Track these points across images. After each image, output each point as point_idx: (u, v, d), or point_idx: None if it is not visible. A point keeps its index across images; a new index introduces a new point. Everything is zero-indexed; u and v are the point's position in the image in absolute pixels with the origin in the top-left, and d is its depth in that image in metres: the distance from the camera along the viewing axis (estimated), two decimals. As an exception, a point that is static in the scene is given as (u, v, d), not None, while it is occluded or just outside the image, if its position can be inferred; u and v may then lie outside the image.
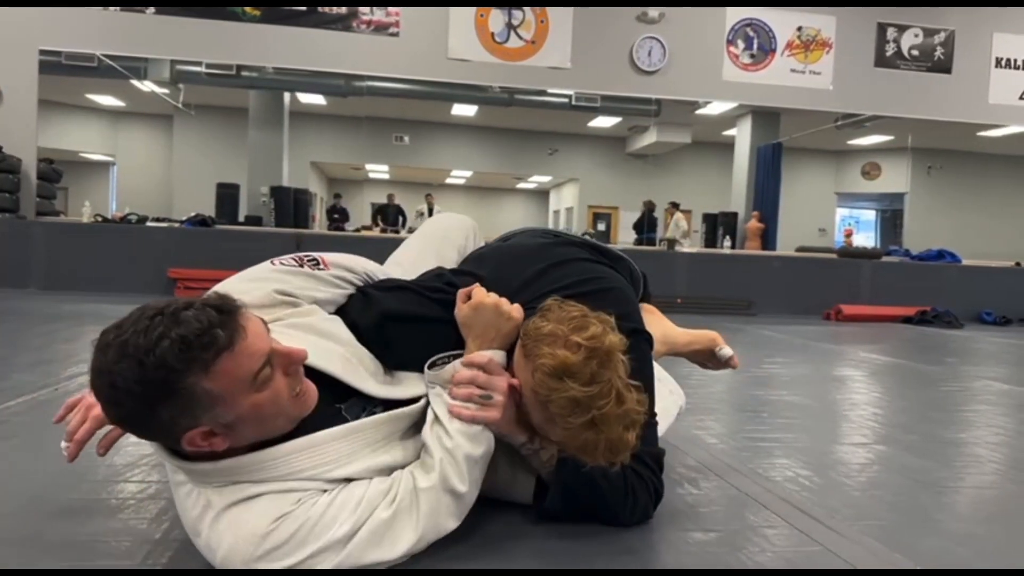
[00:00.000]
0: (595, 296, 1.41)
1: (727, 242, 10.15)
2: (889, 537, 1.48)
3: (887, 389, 3.67)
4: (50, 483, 1.59)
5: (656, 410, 1.46)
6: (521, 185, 19.70)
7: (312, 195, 13.13)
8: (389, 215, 12.58)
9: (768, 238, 11.18)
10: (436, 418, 1.28)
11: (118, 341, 0.99)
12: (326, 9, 7.92)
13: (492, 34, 8.20)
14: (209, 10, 7.72)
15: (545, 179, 18.23)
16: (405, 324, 1.39)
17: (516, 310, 1.35)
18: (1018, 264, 8.65)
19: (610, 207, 15.70)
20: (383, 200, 13.54)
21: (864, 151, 14.63)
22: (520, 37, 8.26)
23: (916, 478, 1.93)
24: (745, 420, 2.64)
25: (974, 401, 3.24)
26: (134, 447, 1.85)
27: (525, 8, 8.24)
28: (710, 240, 11.86)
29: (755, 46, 8.71)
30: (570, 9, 8.32)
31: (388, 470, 1.22)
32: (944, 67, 9.04)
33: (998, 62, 9.17)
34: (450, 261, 1.70)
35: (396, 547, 1.14)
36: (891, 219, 16.17)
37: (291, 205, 10.51)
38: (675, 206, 11.89)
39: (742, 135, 11.60)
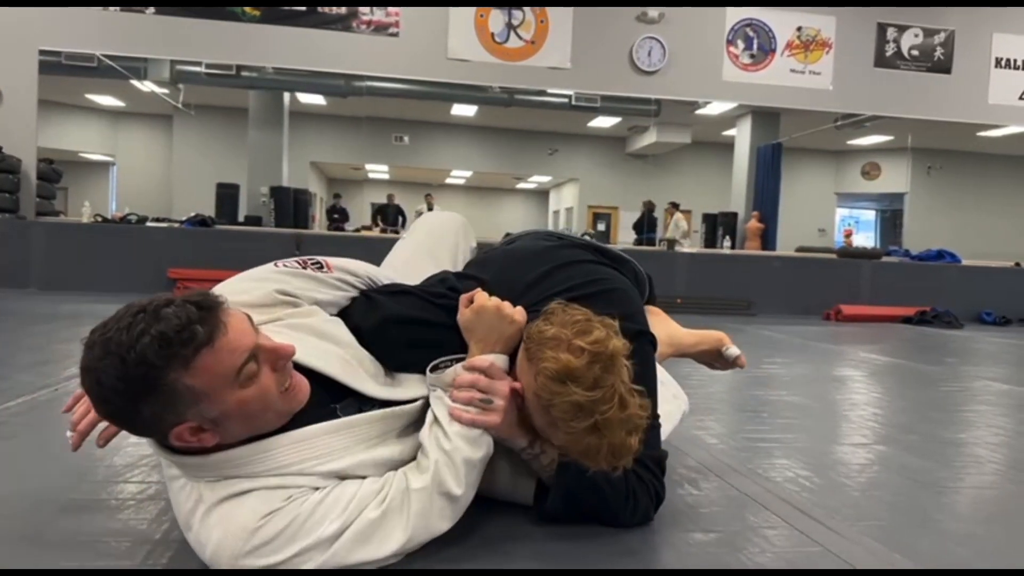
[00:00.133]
0: (598, 297, 1.41)
1: (727, 242, 10.15)
2: (889, 537, 1.48)
3: (887, 389, 3.67)
4: (50, 483, 1.59)
5: (660, 413, 1.46)
6: (521, 185, 19.70)
7: (312, 195, 13.14)
8: (389, 215, 12.58)
9: (768, 238, 11.18)
10: (435, 420, 1.28)
11: (102, 339, 1.00)
12: (326, 9, 7.93)
13: (492, 34, 8.21)
14: (209, 10, 7.72)
15: (545, 179, 18.23)
16: (408, 328, 1.39)
17: (519, 313, 1.35)
18: (1018, 264, 8.65)
19: (610, 207, 15.70)
20: (383, 200, 13.55)
21: (864, 151, 14.63)
22: (520, 37, 8.26)
23: (916, 478, 1.93)
24: (745, 420, 2.64)
25: (974, 401, 3.24)
26: (134, 447, 1.85)
27: (525, 8, 8.24)
28: (710, 240, 11.86)
29: (755, 46, 8.71)
30: (570, 9, 8.32)
31: (383, 465, 1.22)
32: (944, 67, 9.04)
33: (998, 62, 9.17)
34: (445, 261, 1.70)
35: (384, 547, 1.14)
36: (891, 219, 16.17)
37: (291, 205, 10.52)
38: (675, 206, 11.89)
39: (742, 135, 11.60)
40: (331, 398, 1.24)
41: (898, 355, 5.01)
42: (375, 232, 11.14)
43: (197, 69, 8.59)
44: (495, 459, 1.32)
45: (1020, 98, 9.24)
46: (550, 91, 8.83)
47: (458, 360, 1.33)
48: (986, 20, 9.10)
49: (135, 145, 14.41)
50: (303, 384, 1.17)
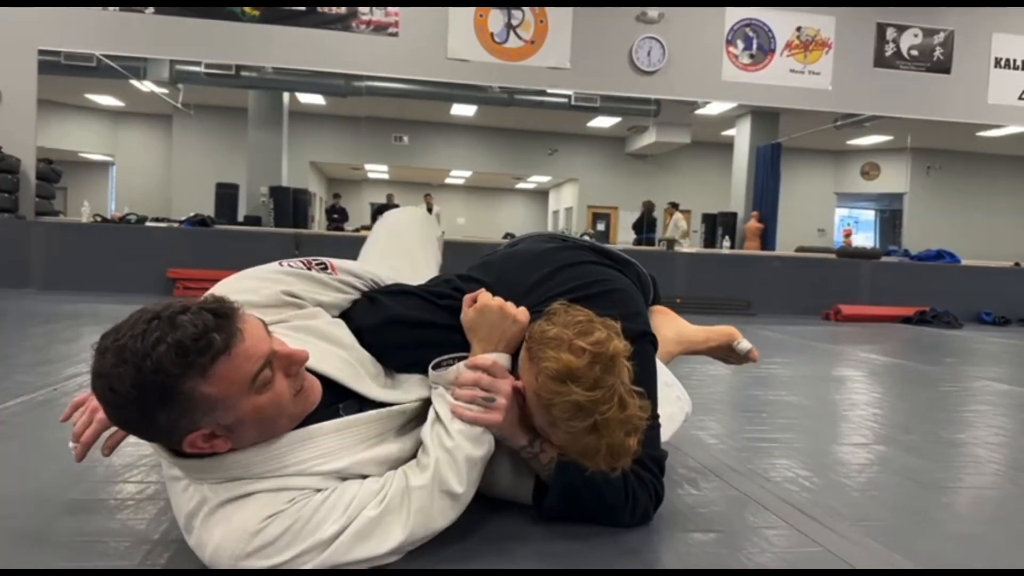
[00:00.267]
0: (601, 298, 1.41)
1: (726, 242, 10.15)
2: (889, 537, 1.48)
3: (887, 389, 3.67)
4: (49, 483, 1.59)
5: (661, 414, 1.46)
6: (520, 185, 19.71)
7: (311, 195, 13.15)
8: (388, 215, 12.55)
9: (767, 238, 11.19)
10: (437, 418, 1.28)
11: (116, 345, 0.99)
12: (325, 9, 7.92)
13: (491, 34, 8.20)
14: (208, 10, 7.71)
15: (544, 179, 18.24)
16: (409, 329, 1.39)
17: (522, 314, 1.35)
18: (1017, 264, 8.66)
19: (609, 207, 15.70)
20: (382, 200, 13.56)
21: (863, 151, 14.64)
22: (519, 37, 8.26)
23: (916, 478, 1.93)
24: (745, 420, 2.64)
25: (974, 401, 3.24)
26: (133, 448, 1.85)
27: (524, 8, 8.24)
28: (709, 240, 11.87)
29: (754, 46, 8.71)
30: (569, 9, 8.32)
31: (384, 462, 1.23)
32: (943, 67, 9.04)
33: (997, 62, 9.18)
34: (418, 259, 1.72)
35: (383, 544, 1.14)
36: (890, 219, 16.19)
37: (290, 205, 10.52)
38: (674, 206, 11.90)
39: (741, 135, 11.61)
40: (334, 398, 1.24)
41: (898, 355, 5.01)
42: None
43: (197, 69, 8.59)
44: (495, 457, 1.33)
45: (1019, 98, 9.24)
46: (550, 91, 8.83)
47: (460, 358, 1.33)
48: (986, 20, 9.11)
49: (134, 145, 14.42)
50: (315, 387, 1.18)
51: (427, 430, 1.28)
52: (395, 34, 8.05)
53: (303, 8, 7.87)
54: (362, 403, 1.27)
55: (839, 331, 6.40)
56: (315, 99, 11.77)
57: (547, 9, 8.28)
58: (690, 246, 10.59)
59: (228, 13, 7.76)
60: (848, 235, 13.85)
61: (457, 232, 14.61)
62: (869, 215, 17.41)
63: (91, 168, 14.75)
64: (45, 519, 1.38)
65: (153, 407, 1.00)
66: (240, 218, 10.30)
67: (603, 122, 12.82)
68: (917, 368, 4.42)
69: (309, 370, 1.19)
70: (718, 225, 11.67)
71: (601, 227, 15.57)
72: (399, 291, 1.47)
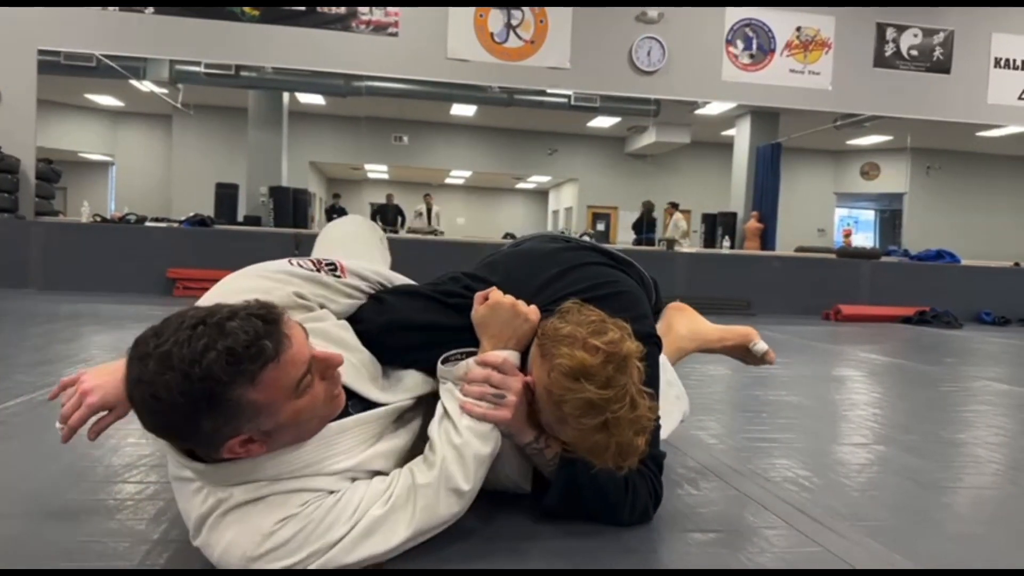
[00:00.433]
0: (608, 300, 1.41)
1: (726, 242, 10.15)
2: (889, 537, 1.48)
3: (886, 389, 3.67)
4: (48, 484, 1.59)
5: (660, 413, 1.47)
6: (520, 185, 19.70)
7: (311, 195, 13.14)
8: (388, 215, 12.58)
9: (767, 238, 11.19)
10: (446, 413, 1.29)
11: (159, 352, 0.97)
12: (325, 9, 7.92)
13: (491, 34, 8.20)
14: (208, 10, 7.71)
15: (544, 179, 18.24)
16: (418, 332, 1.39)
17: (533, 312, 1.35)
18: (1017, 264, 8.65)
19: (609, 207, 15.70)
20: (382, 200, 13.55)
21: (863, 151, 14.64)
22: (519, 37, 8.26)
23: (916, 479, 1.93)
24: (745, 420, 2.64)
25: (973, 401, 3.24)
26: (133, 448, 1.85)
27: (524, 8, 8.23)
28: (709, 240, 11.87)
29: (754, 46, 8.71)
30: (569, 9, 8.32)
31: (389, 456, 1.25)
32: (943, 67, 9.04)
33: (997, 62, 9.17)
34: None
35: (388, 542, 1.15)
36: (890, 219, 16.19)
37: (290, 205, 10.52)
38: (674, 206, 11.90)
39: (741, 135, 11.61)
40: None
41: (897, 355, 5.01)
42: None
43: (196, 69, 8.59)
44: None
45: (1019, 98, 9.24)
46: (549, 91, 8.83)
47: (469, 354, 1.33)
48: (985, 20, 9.10)
49: (134, 145, 14.41)
50: (343, 391, 1.18)
51: (435, 426, 1.28)
52: (395, 34, 8.05)
53: (303, 8, 7.87)
54: (364, 402, 1.28)
55: (839, 331, 6.40)
56: (315, 99, 11.77)
57: (547, 9, 8.28)
58: (690, 246, 10.60)
59: (228, 13, 7.75)
60: (848, 235, 13.85)
61: (457, 232, 14.61)
62: (869, 215, 17.42)
63: (91, 168, 14.75)
64: (45, 519, 1.38)
65: (198, 414, 0.99)
66: (240, 218, 10.30)
67: (603, 122, 12.82)
68: (917, 368, 4.42)
69: None
70: (718, 225, 11.66)
71: (601, 227, 15.57)
72: (406, 292, 1.47)
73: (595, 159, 15.22)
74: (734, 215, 11.47)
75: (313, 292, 1.35)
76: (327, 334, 1.31)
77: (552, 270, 1.51)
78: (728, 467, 1.94)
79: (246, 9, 7.76)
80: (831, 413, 2.87)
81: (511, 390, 1.28)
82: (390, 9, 8.00)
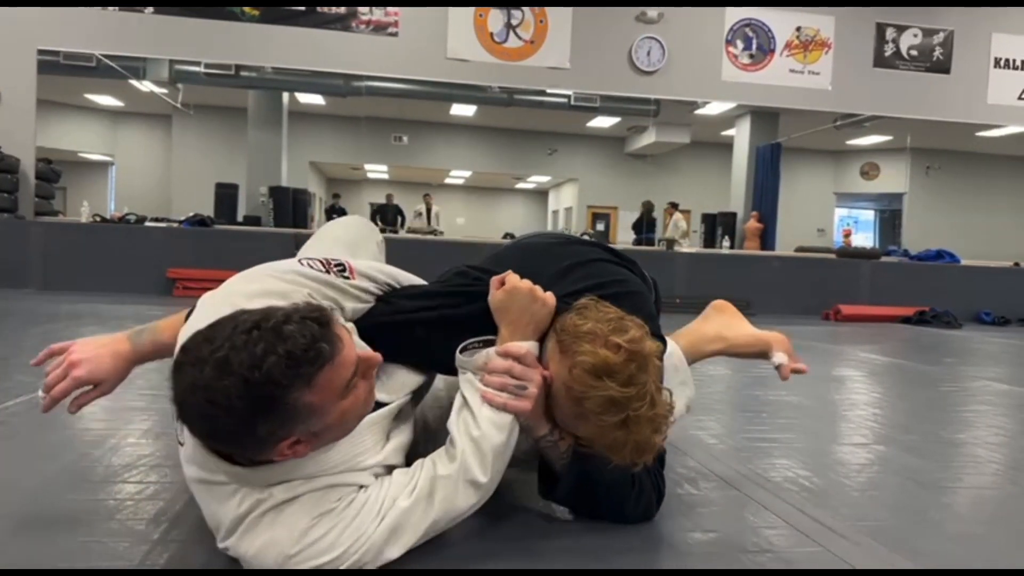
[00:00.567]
0: (620, 298, 1.40)
1: (726, 242, 10.15)
2: (889, 537, 1.48)
3: (886, 389, 3.67)
4: (48, 484, 1.58)
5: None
6: (520, 185, 19.70)
7: (311, 195, 13.14)
8: (388, 215, 12.58)
9: (767, 238, 11.19)
10: (465, 404, 1.28)
11: (216, 357, 0.97)
12: (325, 9, 7.92)
13: (491, 34, 8.20)
14: (208, 10, 7.71)
15: (544, 179, 18.24)
16: (418, 328, 1.39)
17: (550, 297, 1.34)
18: (1017, 264, 8.66)
19: (609, 207, 15.70)
20: (382, 200, 13.54)
21: (863, 151, 14.64)
22: (519, 37, 8.26)
23: (916, 478, 1.93)
24: (745, 420, 2.64)
25: (973, 401, 3.24)
26: (132, 448, 1.85)
27: (524, 8, 8.23)
28: (709, 240, 11.86)
29: (754, 46, 8.71)
30: (569, 9, 8.32)
31: (403, 448, 1.28)
32: (943, 67, 9.04)
33: (997, 62, 9.18)
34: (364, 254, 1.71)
35: (414, 536, 1.17)
36: (890, 219, 16.19)
37: (290, 205, 10.51)
38: (674, 206, 11.89)
39: (741, 135, 11.61)
40: None
41: (897, 355, 5.01)
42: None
43: (196, 69, 8.59)
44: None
45: (1019, 98, 9.24)
46: (549, 91, 8.83)
47: (487, 342, 1.32)
48: (985, 20, 9.11)
49: (134, 145, 14.41)
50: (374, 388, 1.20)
51: (454, 417, 1.28)
52: (395, 34, 8.05)
53: (303, 8, 7.87)
54: None
55: (839, 331, 6.40)
56: (315, 99, 11.76)
57: (547, 9, 8.28)
58: (690, 246, 10.60)
59: (228, 13, 7.75)
60: (848, 235, 13.85)
61: (457, 232, 14.61)
62: (869, 215, 17.42)
63: (90, 168, 14.75)
64: (45, 518, 1.38)
65: (255, 418, 0.99)
66: (240, 218, 10.29)
67: (603, 122, 12.82)
68: (917, 368, 4.42)
69: None
70: (718, 225, 11.66)
71: (601, 227, 15.57)
72: (418, 292, 1.46)
73: (595, 159, 15.22)
74: (734, 215, 11.47)
75: (324, 295, 1.34)
76: None
77: (562, 263, 1.50)
78: (728, 467, 1.94)
79: (246, 9, 7.76)
80: (831, 413, 2.87)
81: (532, 382, 1.27)
82: (390, 9, 8.00)
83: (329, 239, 1.75)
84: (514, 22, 8.24)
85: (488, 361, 1.29)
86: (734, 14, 8.68)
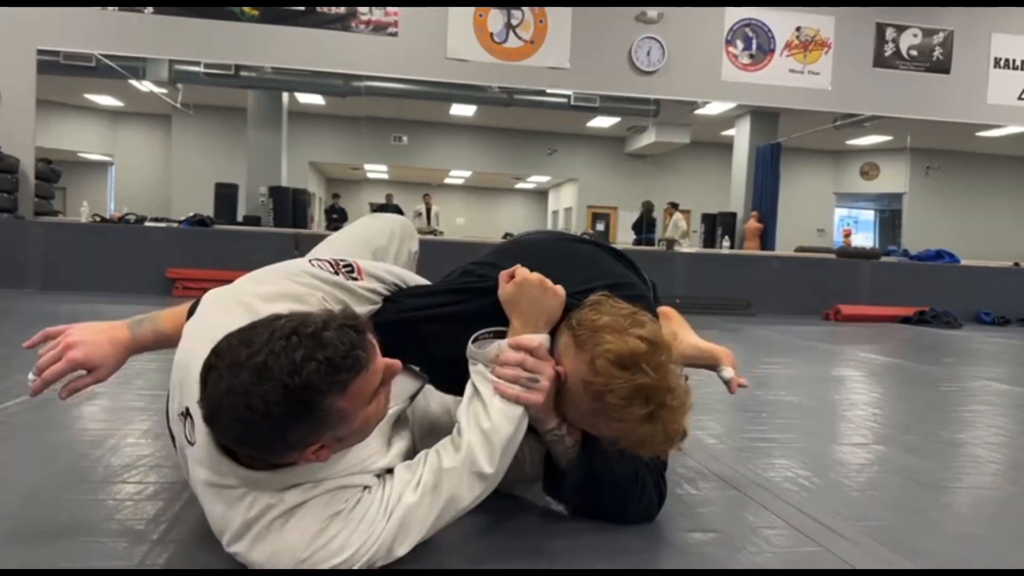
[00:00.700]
0: (631, 301, 1.40)
1: (726, 242, 10.15)
2: (888, 537, 1.48)
3: (886, 389, 3.67)
4: (48, 484, 1.58)
5: None
6: (520, 185, 19.70)
7: (311, 195, 13.14)
8: (388, 215, 12.56)
9: (767, 238, 11.19)
10: (476, 394, 1.28)
11: (254, 363, 0.97)
12: (325, 9, 7.92)
13: (491, 34, 8.20)
14: (208, 10, 7.71)
15: (544, 179, 18.23)
16: (437, 326, 1.39)
17: (560, 288, 1.34)
18: (1017, 264, 8.66)
19: (609, 207, 15.70)
20: (381, 200, 13.54)
21: (863, 151, 14.64)
22: (519, 37, 8.25)
23: (915, 478, 1.93)
24: (744, 420, 2.64)
25: (973, 401, 3.24)
26: (132, 448, 1.85)
27: (524, 8, 8.23)
28: (709, 240, 11.86)
29: (754, 46, 8.71)
30: (569, 9, 8.31)
31: (405, 452, 1.28)
32: (943, 67, 9.04)
33: (997, 62, 9.17)
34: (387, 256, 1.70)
35: (421, 531, 1.17)
36: (890, 219, 16.18)
37: (290, 205, 10.51)
38: (674, 206, 11.89)
39: (741, 135, 11.60)
40: None
41: (897, 355, 5.01)
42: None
43: (196, 69, 8.59)
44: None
45: (1019, 98, 9.24)
46: (549, 91, 8.82)
47: (498, 333, 1.32)
48: (985, 20, 9.10)
49: (134, 145, 14.41)
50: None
51: (464, 407, 1.28)
52: (395, 34, 8.04)
53: (303, 8, 7.86)
54: None
55: (839, 331, 6.40)
56: (314, 99, 11.76)
57: (547, 9, 8.27)
58: (690, 246, 10.59)
59: (227, 13, 7.75)
60: (848, 235, 13.85)
61: (456, 232, 14.60)
62: (868, 215, 17.42)
63: (90, 168, 14.74)
64: (44, 519, 1.38)
65: (290, 424, 0.99)
66: (239, 218, 10.29)
67: (602, 122, 12.81)
68: (917, 368, 4.42)
69: None
70: (718, 225, 11.66)
71: (601, 227, 15.57)
72: (425, 292, 1.46)
73: (595, 159, 15.22)
74: (734, 215, 11.47)
75: (336, 298, 1.34)
76: None
77: (567, 260, 1.50)
78: (728, 467, 1.94)
79: (246, 9, 7.76)
80: (831, 413, 2.87)
81: (544, 374, 1.27)
82: (390, 9, 8.00)
83: (360, 241, 1.70)
84: (514, 22, 8.23)
85: (500, 353, 1.28)
86: (734, 14, 8.67)
